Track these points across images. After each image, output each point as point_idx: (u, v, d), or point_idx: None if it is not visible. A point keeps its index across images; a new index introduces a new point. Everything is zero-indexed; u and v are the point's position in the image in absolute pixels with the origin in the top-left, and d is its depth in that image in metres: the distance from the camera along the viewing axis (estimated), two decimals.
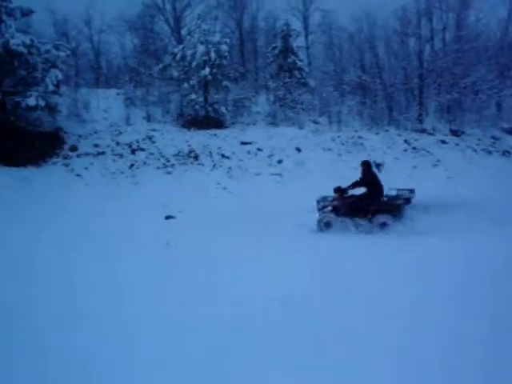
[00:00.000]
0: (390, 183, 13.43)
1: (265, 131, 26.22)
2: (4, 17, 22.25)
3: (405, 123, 27.41)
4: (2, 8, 22.60)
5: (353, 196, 13.25)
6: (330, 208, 13.45)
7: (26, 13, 24.38)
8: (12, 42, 21.43)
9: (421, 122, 27.68)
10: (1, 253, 10.24)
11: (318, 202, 13.68)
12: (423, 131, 26.66)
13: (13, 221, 14.43)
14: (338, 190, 13.30)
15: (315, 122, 28.60)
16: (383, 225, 12.51)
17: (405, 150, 24.59)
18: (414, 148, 24.79)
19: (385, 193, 13.01)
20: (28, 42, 21.96)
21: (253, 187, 20.93)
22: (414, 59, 31.01)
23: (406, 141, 25.31)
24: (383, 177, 13.85)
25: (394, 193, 13.09)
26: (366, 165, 13.37)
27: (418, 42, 31.60)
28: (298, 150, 24.29)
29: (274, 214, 15.21)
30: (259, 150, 24.26)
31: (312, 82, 31.01)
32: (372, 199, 12.84)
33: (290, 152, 24.10)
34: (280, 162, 23.40)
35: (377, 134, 26.16)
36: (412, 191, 12.95)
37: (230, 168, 22.78)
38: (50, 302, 6.75)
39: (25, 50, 21.85)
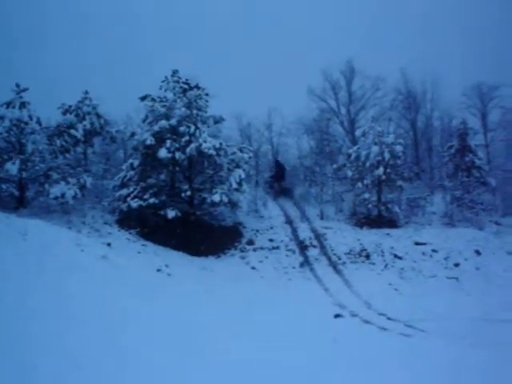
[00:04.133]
0: None
1: (440, 232, 25.23)
2: (199, 124, 25.37)
3: None
4: (199, 117, 25.91)
5: None
6: None
7: (218, 120, 27.64)
8: (204, 145, 24.22)
9: None
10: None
11: None
12: None
13: (193, 305, 15.36)
14: None
15: (497, 224, 26.81)
16: None
17: None
18: None
19: None
20: (217, 145, 24.67)
21: (426, 290, 19.88)
22: None
23: None
24: None
25: None
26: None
27: None
28: (478, 252, 22.82)
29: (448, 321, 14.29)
30: (434, 251, 23.29)
31: (493, 181, 29.50)
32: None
33: (468, 255, 22.74)
34: (457, 265, 22.12)
35: None
36: None
37: (402, 269, 22.10)
38: None
39: (214, 153, 24.52)
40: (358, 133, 35.44)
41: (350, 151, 30.07)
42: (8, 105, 23.01)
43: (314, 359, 9.49)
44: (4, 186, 22.71)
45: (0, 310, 9.16)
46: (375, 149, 27.49)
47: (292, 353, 9.81)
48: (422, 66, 44.57)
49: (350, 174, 29.03)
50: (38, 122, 23.58)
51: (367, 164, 27.63)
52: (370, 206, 27.45)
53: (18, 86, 23.25)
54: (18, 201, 22.90)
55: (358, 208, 28.32)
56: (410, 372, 8.79)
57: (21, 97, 23.11)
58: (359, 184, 27.91)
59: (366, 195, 27.52)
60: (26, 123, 22.98)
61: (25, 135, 23.07)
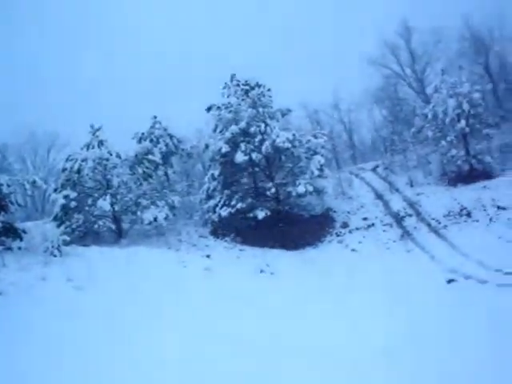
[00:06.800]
0: None
1: None
2: (268, 121, 25.38)
3: None
4: (266, 114, 25.91)
5: None
6: None
7: (286, 113, 27.52)
8: (278, 140, 24.22)
9: None
10: None
11: None
12: None
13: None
14: None
15: None
16: None
17: None
18: None
19: None
20: (291, 137, 24.55)
21: None
22: None
23: None
24: None
25: None
26: None
27: None
28: None
29: None
30: None
31: None
32: None
33: None
34: None
35: None
36: None
37: (509, 219, 20.77)
38: None
39: (289, 145, 24.44)
40: (429, 90, 34.09)
41: (426, 111, 28.89)
42: (88, 146, 24.15)
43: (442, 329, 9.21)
44: (101, 222, 23.84)
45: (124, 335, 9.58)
46: (452, 102, 26.20)
47: (419, 324, 9.63)
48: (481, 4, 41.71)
49: (430, 134, 27.84)
50: (118, 156, 24.50)
51: (446, 120, 26.40)
52: (459, 162, 26.19)
53: (92, 126, 24.36)
54: (116, 233, 24.00)
55: (446, 167, 27.10)
56: None
57: (97, 136, 24.17)
58: (443, 142, 26.70)
59: (453, 151, 26.29)
60: (107, 159, 23.97)
61: (108, 171, 24.10)
